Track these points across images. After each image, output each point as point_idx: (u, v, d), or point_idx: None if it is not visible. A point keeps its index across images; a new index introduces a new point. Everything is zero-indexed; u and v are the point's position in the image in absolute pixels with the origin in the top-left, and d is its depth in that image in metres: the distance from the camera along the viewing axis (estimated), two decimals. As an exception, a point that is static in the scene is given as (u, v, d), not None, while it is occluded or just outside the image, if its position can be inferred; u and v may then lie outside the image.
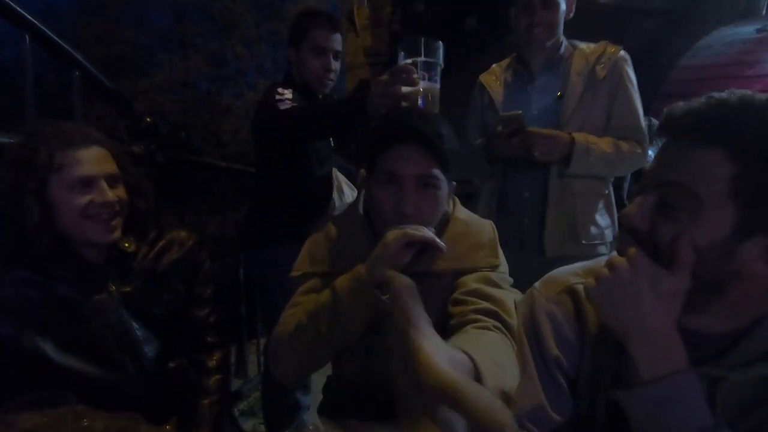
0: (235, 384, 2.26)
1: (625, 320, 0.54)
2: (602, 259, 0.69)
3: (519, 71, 1.48)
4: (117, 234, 0.94)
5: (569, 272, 0.70)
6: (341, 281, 0.82)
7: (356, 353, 0.90)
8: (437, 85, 0.96)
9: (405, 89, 0.92)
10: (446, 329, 0.77)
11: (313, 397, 1.70)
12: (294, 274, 0.93)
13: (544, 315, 0.66)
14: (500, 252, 0.90)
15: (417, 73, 0.92)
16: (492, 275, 0.83)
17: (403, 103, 0.93)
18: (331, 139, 1.59)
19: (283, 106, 1.33)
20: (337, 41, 1.50)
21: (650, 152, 3.24)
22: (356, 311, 0.80)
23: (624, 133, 1.37)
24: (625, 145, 1.36)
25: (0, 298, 0.87)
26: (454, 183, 0.92)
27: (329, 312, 0.81)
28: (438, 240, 0.82)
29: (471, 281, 0.81)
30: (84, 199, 0.89)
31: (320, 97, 1.55)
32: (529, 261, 1.27)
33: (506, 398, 0.54)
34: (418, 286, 0.85)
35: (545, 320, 0.66)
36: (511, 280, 0.88)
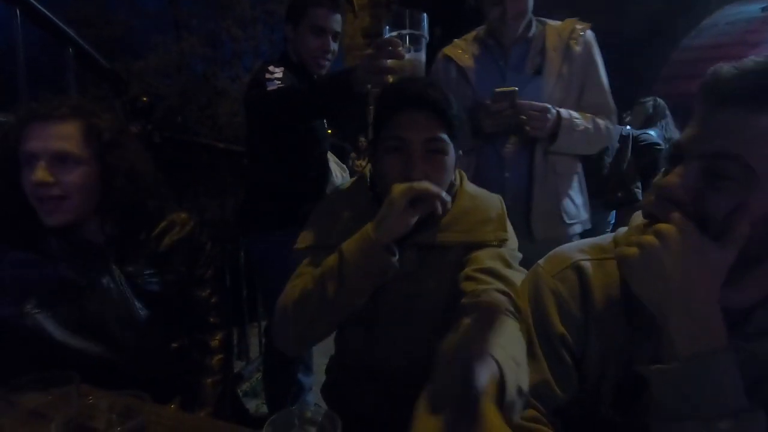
0: (237, 366, 2.28)
1: (669, 292, 0.51)
2: (608, 237, 0.68)
3: (489, 45, 1.42)
4: (64, 218, 0.86)
5: (574, 249, 0.69)
6: (349, 243, 0.80)
7: (358, 330, 0.90)
8: (423, 57, 0.96)
9: (391, 62, 0.91)
10: (457, 306, 0.76)
11: (316, 378, 1.72)
12: (299, 246, 0.93)
13: (549, 292, 0.66)
14: (509, 227, 0.89)
15: (402, 45, 0.91)
16: (505, 253, 0.83)
17: (389, 77, 0.92)
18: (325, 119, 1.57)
19: (270, 87, 1.30)
20: (336, 21, 1.46)
21: (653, 132, 3.14)
22: (364, 273, 0.78)
23: (596, 110, 1.37)
24: (601, 122, 1.36)
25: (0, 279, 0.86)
26: (461, 152, 0.91)
27: (336, 275, 0.79)
28: (444, 194, 0.80)
29: (485, 258, 0.80)
30: (29, 179, 0.83)
31: (315, 77, 1.50)
32: None
33: (522, 394, 0.54)
34: (425, 259, 0.85)
35: (550, 297, 0.66)
36: (520, 255, 0.87)
